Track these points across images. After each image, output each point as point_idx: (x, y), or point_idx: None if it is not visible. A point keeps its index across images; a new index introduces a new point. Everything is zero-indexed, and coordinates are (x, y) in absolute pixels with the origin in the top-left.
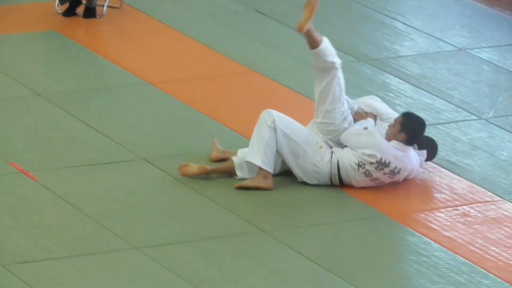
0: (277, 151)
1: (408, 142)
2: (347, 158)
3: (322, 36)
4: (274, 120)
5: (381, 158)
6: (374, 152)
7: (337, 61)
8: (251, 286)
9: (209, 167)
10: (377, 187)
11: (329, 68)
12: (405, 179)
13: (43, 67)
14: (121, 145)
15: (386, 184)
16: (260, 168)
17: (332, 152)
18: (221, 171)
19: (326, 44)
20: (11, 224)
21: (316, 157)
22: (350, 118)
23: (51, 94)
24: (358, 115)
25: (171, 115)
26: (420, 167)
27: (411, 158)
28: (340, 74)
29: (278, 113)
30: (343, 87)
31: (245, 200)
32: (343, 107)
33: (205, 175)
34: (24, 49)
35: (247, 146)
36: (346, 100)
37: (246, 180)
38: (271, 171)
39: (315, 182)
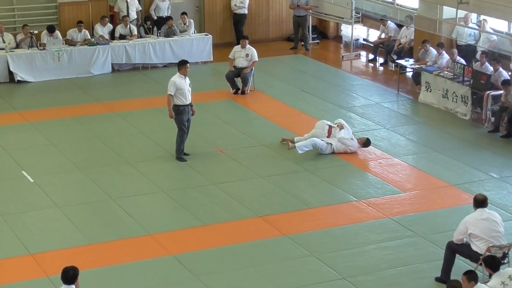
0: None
1: (365, 145)
2: (340, 146)
3: (293, 143)
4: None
5: (352, 138)
6: (354, 143)
7: (303, 146)
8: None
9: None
10: (354, 158)
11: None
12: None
13: (228, 116)
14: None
15: (352, 151)
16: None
17: (331, 144)
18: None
19: (298, 144)
20: None
21: (325, 144)
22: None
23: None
24: (340, 126)
25: (267, 127)
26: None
27: (355, 143)
28: (320, 142)
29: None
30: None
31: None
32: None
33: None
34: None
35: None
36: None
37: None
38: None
39: (327, 152)
